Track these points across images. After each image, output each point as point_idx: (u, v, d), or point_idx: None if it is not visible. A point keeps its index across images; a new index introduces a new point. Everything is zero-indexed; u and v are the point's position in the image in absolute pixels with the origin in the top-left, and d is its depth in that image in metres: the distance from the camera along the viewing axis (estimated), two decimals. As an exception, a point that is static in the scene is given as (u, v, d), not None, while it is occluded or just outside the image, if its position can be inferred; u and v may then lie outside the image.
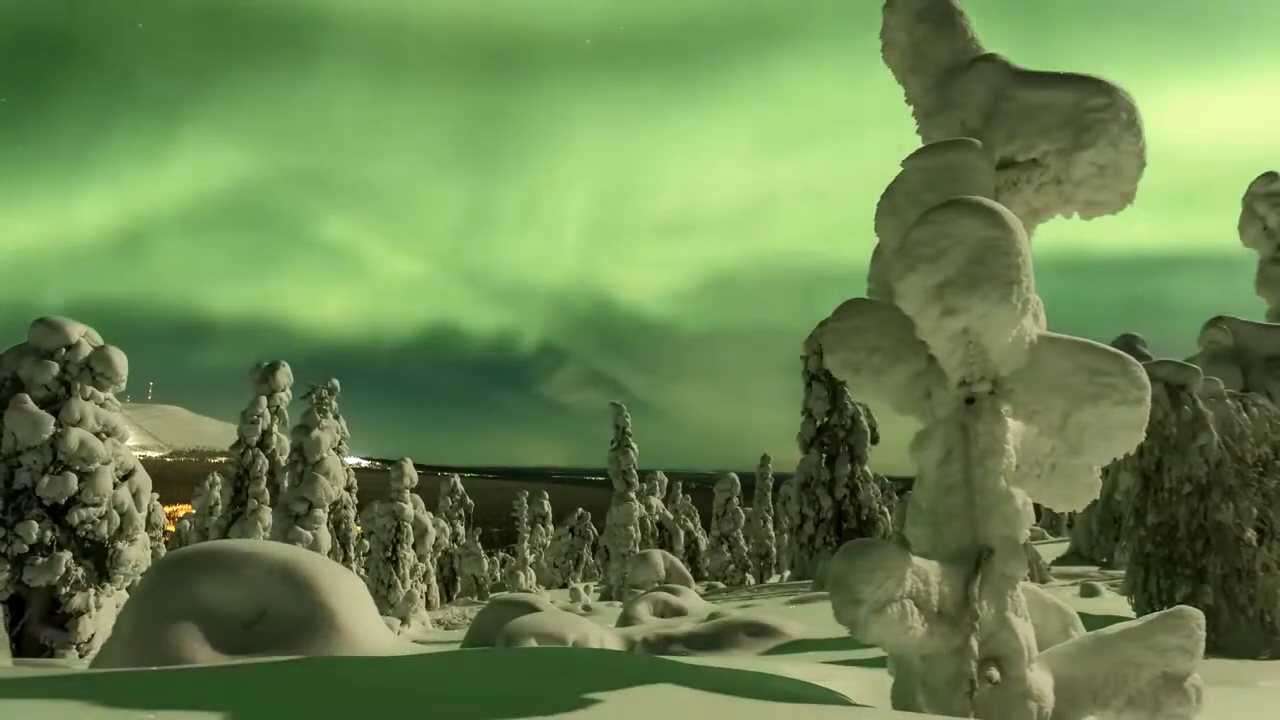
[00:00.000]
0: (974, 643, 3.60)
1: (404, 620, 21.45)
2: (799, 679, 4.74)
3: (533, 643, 8.72)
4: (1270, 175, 14.02)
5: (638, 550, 28.72)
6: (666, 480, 40.32)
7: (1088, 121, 3.80)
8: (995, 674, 3.66)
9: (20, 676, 3.60)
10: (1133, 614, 9.37)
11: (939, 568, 3.66)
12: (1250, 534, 8.64)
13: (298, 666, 3.82)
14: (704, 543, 40.09)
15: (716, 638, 9.55)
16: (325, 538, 19.20)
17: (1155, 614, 4.10)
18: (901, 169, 3.92)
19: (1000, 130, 3.98)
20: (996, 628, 3.76)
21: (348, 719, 2.88)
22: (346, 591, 4.90)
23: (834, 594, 3.48)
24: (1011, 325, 3.46)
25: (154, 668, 3.83)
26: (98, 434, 13.55)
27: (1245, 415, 9.18)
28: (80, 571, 13.19)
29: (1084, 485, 3.98)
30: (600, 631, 9.64)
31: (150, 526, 19.76)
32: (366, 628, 4.74)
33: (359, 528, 28.00)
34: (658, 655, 7.73)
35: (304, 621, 4.48)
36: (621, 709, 3.13)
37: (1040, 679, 3.82)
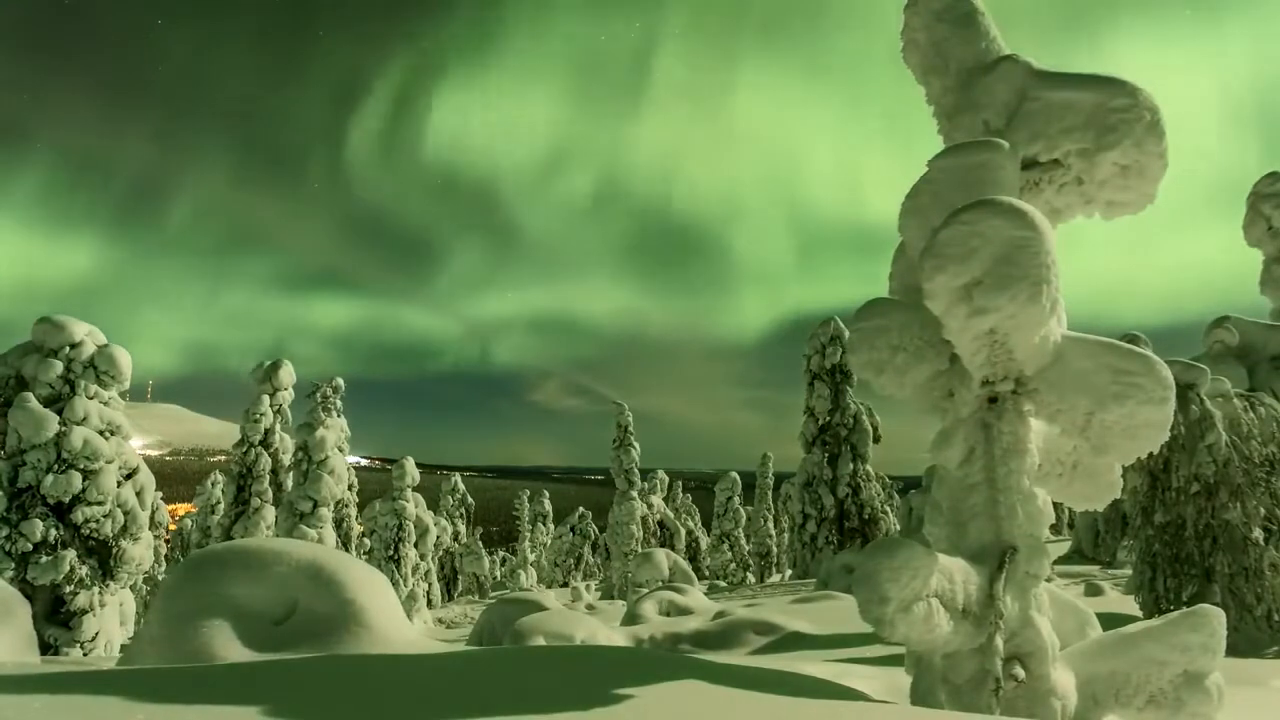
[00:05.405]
0: (999, 641, 3.62)
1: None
2: (817, 677, 4.75)
3: (541, 641, 8.71)
4: (1274, 175, 14.01)
5: (640, 549, 28.76)
6: (668, 479, 40.34)
7: (1111, 122, 3.82)
8: (1020, 672, 3.68)
9: (52, 673, 3.61)
10: (1139, 613, 9.41)
11: (964, 566, 3.68)
12: (1257, 533, 8.68)
13: (329, 663, 3.83)
14: (705, 542, 40.14)
15: (725, 636, 9.54)
16: (330, 536, 19.20)
17: (1176, 613, 4.12)
18: (927, 169, 3.93)
19: (1023, 130, 3.99)
20: (1020, 626, 3.78)
21: (383, 714, 2.89)
22: (373, 588, 4.92)
23: (860, 592, 3.48)
24: (1040, 325, 3.48)
25: (187, 664, 3.86)
26: (101, 432, 13.54)
27: (1252, 414, 9.21)
28: (84, 570, 13.19)
29: (1106, 484, 4.00)
30: (607, 630, 9.63)
31: (153, 525, 19.75)
32: (393, 624, 4.76)
33: (360, 526, 28.01)
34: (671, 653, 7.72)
35: (333, 619, 4.51)
36: (657, 704, 3.14)
37: (1063, 677, 3.84)
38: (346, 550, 26.82)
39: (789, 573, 30.04)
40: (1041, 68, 4.15)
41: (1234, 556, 8.72)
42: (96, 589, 13.35)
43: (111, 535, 13.45)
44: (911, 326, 3.96)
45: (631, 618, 12.27)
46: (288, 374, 21.82)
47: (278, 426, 21.81)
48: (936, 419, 4.22)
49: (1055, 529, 33.50)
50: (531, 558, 43.00)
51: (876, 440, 24.67)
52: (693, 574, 21.63)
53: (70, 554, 13.00)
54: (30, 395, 13.14)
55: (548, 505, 48.28)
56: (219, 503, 32.15)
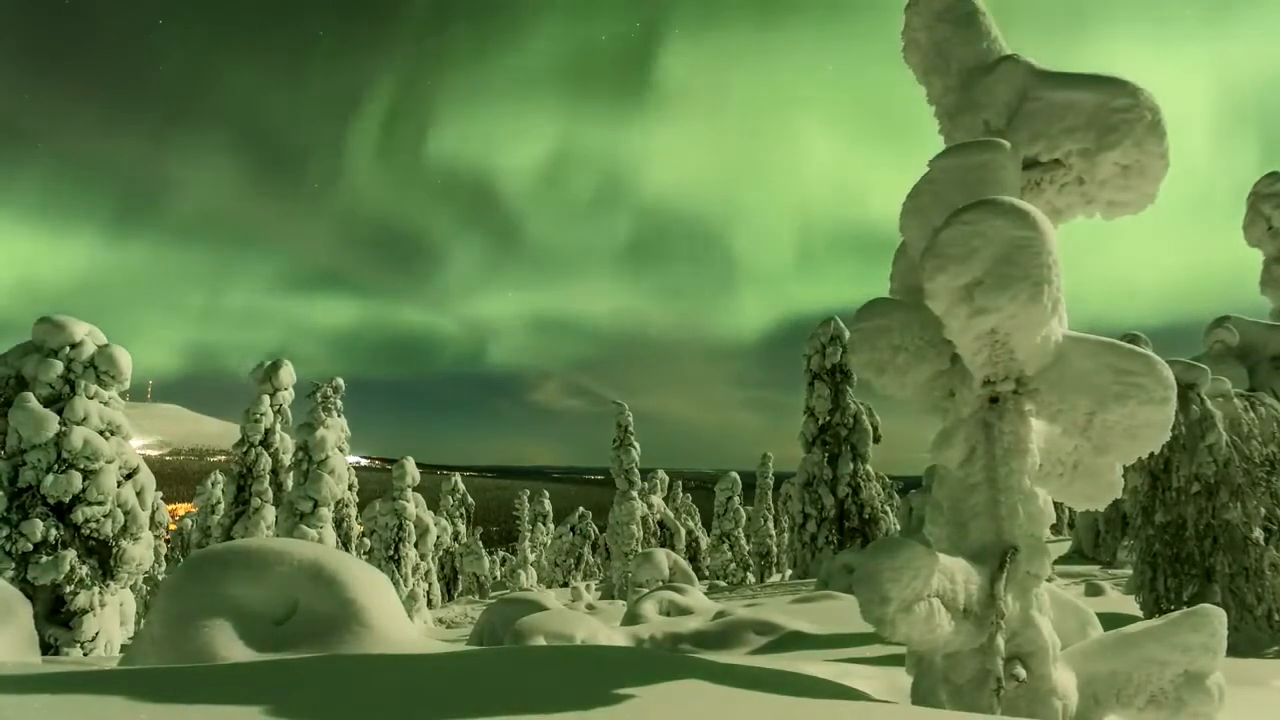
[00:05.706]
0: (1000, 641, 3.62)
1: (406, 619, 21.43)
2: (817, 677, 4.75)
3: (541, 640, 8.71)
4: (1274, 175, 14.00)
5: (640, 549, 28.76)
6: (668, 479, 40.34)
7: (1113, 122, 3.82)
8: (1022, 672, 3.68)
9: (53, 673, 3.61)
10: (1139, 613, 9.40)
11: (965, 566, 3.68)
12: (1258, 533, 8.68)
13: (330, 663, 3.84)
14: (705, 542, 40.14)
15: (725, 636, 9.54)
16: (330, 536, 19.20)
17: (1177, 613, 4.12)
18: (928, 169, 3.93)
19: (1024, 130, 3.99)
20: (1021, 626, 3.78)
21: (384, 714, 2.89)
22: (374, 588, 4.93)
23: (861, 592, 3.48)
24: (1041, 325, 3.48)
25: (188, 664, 3.86)
26: (101, 432, 13.54)
27: (1252, 414, 9.21)
28: (84, 570, 13.19)
29: (1106, 484, 4.00)
30: (608, 630, 9.63)
31: (153, 525, 19.75)
32: (394, 624, 4.77)
33: (360, 526, 28.02)
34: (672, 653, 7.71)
35: (334, 618, 4.51)
36: (657, 704, 3.14)
37: (1064, 677, 3.85)
38: (346, 550, 26.82)
39: (789, 573, 30.04)
40: (1042, 68, 4.15)
41: (1234, 556, 8.72)
42: (97, 589, 13.35)
43: (112, 535, 13.45)
44: (912, 326, 3.96)
45: (631, 618, 12.27)
46: (288, 374, 21.82)
47: (278, 426, 21.82)
48: (937, 419, 4.22)
49: (1055, 529, 33.53)
50: (531, 558, 43.01)
51: (876, 440, 24.68)
52: (693, 574, 21.63)
53: (70, 554, 13.00)
54: (30, 395, 13.14)
55: (548, 505, 48.29)
56: (219, 503, 32.15)
